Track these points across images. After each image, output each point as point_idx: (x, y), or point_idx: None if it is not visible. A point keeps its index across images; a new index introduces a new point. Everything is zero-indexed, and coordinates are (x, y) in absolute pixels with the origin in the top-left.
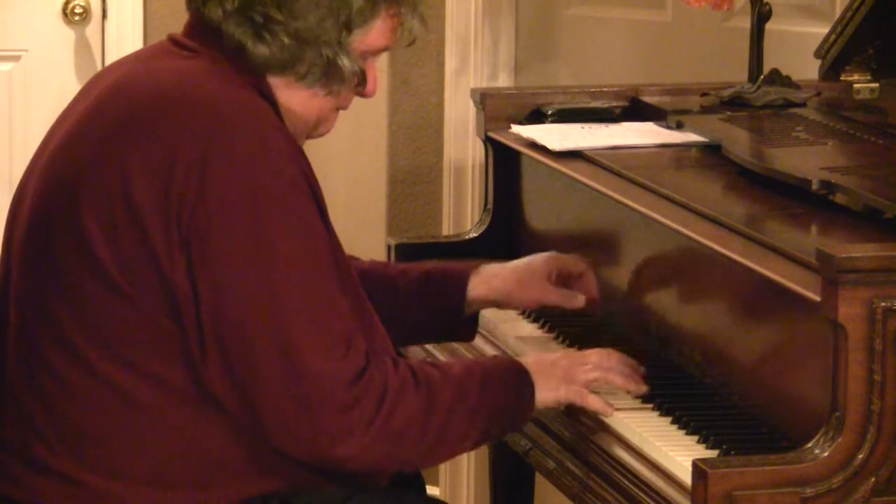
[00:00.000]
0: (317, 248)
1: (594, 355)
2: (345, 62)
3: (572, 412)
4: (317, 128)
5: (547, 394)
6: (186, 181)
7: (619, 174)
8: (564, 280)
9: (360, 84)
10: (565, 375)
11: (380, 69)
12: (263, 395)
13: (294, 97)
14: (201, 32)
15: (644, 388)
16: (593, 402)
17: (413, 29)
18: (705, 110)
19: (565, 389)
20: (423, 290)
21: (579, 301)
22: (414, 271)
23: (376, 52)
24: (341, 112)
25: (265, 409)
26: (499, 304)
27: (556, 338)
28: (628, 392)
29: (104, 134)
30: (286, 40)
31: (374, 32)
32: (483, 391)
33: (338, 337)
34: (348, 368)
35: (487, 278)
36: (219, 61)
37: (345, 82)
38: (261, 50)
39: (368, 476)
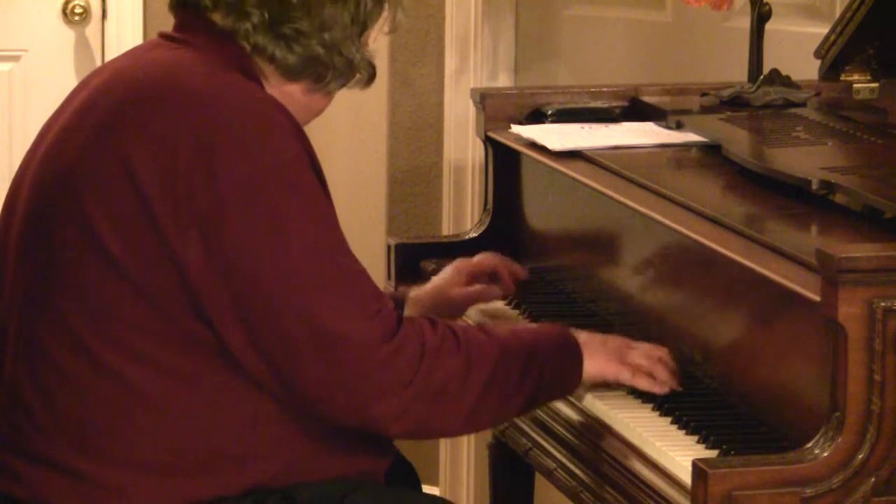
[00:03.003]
0: (328, 219)
1: (646, 344)
2: (363, 61)
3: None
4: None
5: (593, 368)
6: (193, 164)
7: (619, 174)
8: (480, 278)
9: (371, 77)
10: (615, 354)
11: (380, 69)
12: (296, 366)
13: (306, 97)
14: (190, 27)
15: (680, 389)
16: (643, 383)
17: (397, 17)
18: (705, 110)
19: (614, 367)
20: None
21: (495, 292)
22: None
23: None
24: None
25: (300, 379)
26: None
27: None
28: (668, 389)
29: (101, 123)
30: (319, 51)
31: (376, 28)
32: (531, 355)
33: (363, 299)
34: (378, 328)
35: (417, 302)
36: (208, 50)
37: (360, 78)
38: (292, 61)
39: (412, 438)
